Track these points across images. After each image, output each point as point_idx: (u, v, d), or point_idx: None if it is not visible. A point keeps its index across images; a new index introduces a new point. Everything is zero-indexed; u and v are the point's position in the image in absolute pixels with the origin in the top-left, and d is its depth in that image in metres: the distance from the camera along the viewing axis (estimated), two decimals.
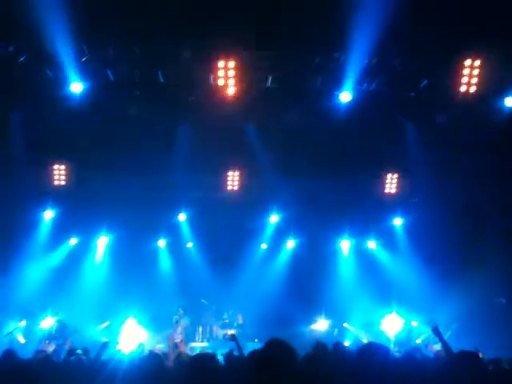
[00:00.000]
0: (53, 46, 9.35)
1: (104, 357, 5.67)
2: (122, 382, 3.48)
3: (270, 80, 10.40)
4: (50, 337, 12.32)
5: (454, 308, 12.14)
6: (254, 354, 3.37)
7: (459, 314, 12.10)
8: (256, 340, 12.89)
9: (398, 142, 11.96)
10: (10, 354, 6.38)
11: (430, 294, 13.23)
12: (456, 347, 5.42)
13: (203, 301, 14.84)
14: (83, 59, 9.80)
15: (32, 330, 12.97)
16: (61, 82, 10.24)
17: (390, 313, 13.46)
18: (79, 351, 5.94)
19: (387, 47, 9.26)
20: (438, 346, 9.73)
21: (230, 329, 13.56)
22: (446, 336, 11.06)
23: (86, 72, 10.17)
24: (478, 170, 11.99)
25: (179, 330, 13.46)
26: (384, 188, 13.53)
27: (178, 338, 12.29)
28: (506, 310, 12.89)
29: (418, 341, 12.63)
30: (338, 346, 6.49)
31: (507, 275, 12.86)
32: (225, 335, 13.23)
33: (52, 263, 14.11)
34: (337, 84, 10.36)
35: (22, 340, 12.67)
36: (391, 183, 13.49)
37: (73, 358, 5.60)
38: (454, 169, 12.21)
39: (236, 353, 6.09)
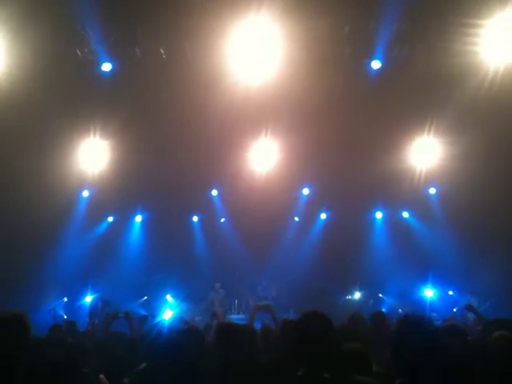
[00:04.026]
0: (82, 26, 9.47)
1: (144, 329, 5.84)
2: (162, 353, 3.58)
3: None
4: (93, 314, 12.67)
5: (491, 278, 11.96)
6: (288, 324, 3.41)
7: (495, 284, 11.92)
8: (291, 311, 13.02)
9: (433, 110, 11.68)
10: (57, 328, 6.66)
11: (466, 264, 13.05)
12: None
13: (238, 274, 15.05)
14: (112, 39, 9.89)
15: (73, 306, 13.41)
16: (91, 61, 10.37)
17: (426, 282, 13.37)
18: (121, 315, 6.11)
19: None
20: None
21: (265, 301, 13.72)
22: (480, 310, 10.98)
23: (115, 51, 10.27)
24: None
25: (216, 302, 13.71)
26: (419, 156, 13.22)
27: (217, 310, 12.55)
28: None
29: (454, 310, 12.54)
30: (377, 316, 6.36)
31: None
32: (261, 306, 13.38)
33: (90, 241, 14.48)
34: (367, 52, 10.16)
35: (64, 316, 13.10)
36: (426, 150, 13.15)
37: (114, 327, 5.82)
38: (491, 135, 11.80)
39: (272, 324, 6.15)
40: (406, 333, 2.67)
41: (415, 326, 2.69)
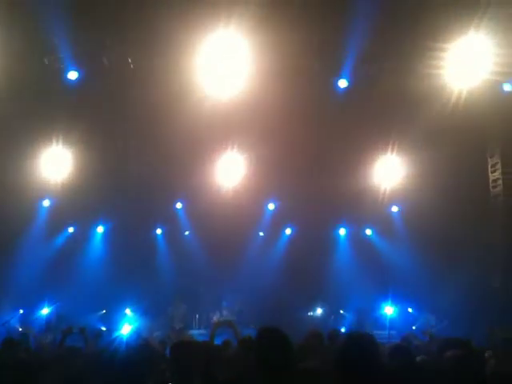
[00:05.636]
0: (50, 34, 9.33)
1: (100, 345, 5.69)
2: (118, 370, 3.47)
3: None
4: (47, 329, 12.34)
5: (450, 296, 12.14)
6: (246, 341, 3.36)
7: (454, 302, 12.09)
8: (253, 327, 12.92)
9: (397, 129, 11.91)
10: (10, 342, 6.42)
11: (426, 282, 13.23)
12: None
13: (201, 288, 14.88)
14: (79, 47, 9.78)
15: (29, 319, 12.99)
16: (58, 69, 10.20)
17: (387, 299, 13.49)
18: (76, 330, 5.95)
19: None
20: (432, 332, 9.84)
21: (228, 316, 13.59)
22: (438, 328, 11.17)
23: (81, 59, 10.14)
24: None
25: (177, 317, 13.50)
26: (382, 174, 13.42)
27: (177, 326, 12.37)
28: (500, 294, 12.72)
29: (414, 327, 12.68)
30: (333, 334, 6.41)
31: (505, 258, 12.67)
32: (222, 322, 13.26)
33: (49, 252, 14.10)
34: (335, 69, 10.30)
35: (19, 328, 12.67)
36: (390, 169, 13.35)
37: (68, 342, 5.65)
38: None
39: (234, 340, 6.10)
40: (349, 352, 2.67)
41: (358, 345, 2.69)
